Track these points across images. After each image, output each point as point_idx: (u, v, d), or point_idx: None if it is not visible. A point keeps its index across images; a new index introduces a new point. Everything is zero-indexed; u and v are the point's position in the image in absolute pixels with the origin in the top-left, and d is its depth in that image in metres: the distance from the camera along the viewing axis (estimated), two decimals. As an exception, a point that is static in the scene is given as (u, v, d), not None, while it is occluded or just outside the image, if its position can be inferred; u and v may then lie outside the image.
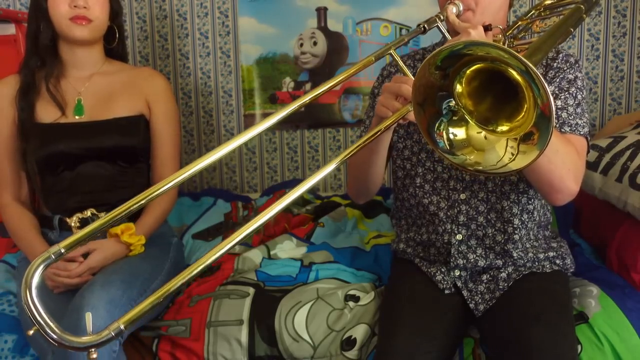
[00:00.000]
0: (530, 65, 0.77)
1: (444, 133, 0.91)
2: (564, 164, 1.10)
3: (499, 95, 0.89)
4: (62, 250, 0.74)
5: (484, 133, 0.91)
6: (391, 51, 1.06)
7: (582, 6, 1.20)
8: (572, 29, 1.16)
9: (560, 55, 1.27)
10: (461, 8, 1.18)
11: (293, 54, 2.21)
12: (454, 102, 0.91)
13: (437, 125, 0.91)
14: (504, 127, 0.89)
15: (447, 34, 1.17)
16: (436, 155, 1.32)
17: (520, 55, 0.78)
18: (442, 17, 1.15)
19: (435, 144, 0.92)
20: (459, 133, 0.92)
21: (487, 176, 1.28)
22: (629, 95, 2.16)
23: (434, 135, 0.92)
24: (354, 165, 1.34)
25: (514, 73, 0.82)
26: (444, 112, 0.91)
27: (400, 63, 1.08)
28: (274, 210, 0.85)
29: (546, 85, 0.77)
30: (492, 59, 0.84)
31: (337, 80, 0.99)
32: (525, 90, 0.82)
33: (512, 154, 0.87)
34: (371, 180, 1.32)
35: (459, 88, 0.90)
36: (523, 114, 0.85)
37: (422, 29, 1.11)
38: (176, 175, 0.82)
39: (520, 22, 1.33)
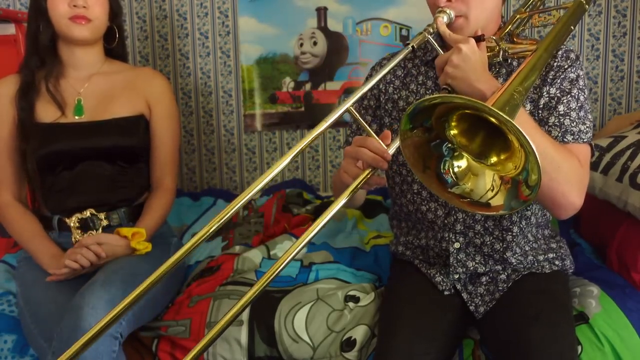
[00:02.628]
0: (507, 120, 0.78)
1: (450, 169, 0.93)
2: (567, 180, 1.06)
3: (492, 129, 0.88)
4: None
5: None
6: (350, 108, 0.99)
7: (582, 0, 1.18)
8: (572, 27, 1.14)
9: (560, 52, 1.21)
10: (452, 15, 1.14)
11: (293, 54, 2.21)
12: (450, 144, 0.93)
13: (442, 167, 0.93)
14: (494, 159, 0.91)
15: (439, 50, 1.12)
16: None
17: (494, 109, 0.79)
18: (432, 30, 1.11)
19: (445, 184, 0.93)
20: (462, 164, 0.94)
21: (475, 213, 1.25)
22: (629, 95, 2.16)
23: (442, 177, 0.93)
24: (336, 191, 1.34)
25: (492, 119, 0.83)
26: (446, 153, 0.93)
27: (361, 121, 1.00)
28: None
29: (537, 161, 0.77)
30: (464, 106, 0.85)
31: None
32: (509, 136, 0.84)
33: (493, 188, 0.90)
34: (353, 199, 1.30)
35: (451, 131, 0.92)
36: (509, 153, 0.87)
37: (411, 48, 1.07)
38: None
39: (518, 16, 1.28)
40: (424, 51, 1.33)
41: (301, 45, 2.20)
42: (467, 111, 0.87)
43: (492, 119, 0.83)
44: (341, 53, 2.20)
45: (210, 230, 0.83)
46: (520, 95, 0.88)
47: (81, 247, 1.37)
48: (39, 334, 1.29)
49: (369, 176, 0.98)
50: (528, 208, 1.28)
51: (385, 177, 1.42)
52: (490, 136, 0.90)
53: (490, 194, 0.89)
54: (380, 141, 1.00)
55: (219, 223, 0.83)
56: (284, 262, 0.84)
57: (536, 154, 0.77)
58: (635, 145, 1.57)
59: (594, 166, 1.62)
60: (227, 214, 0.83)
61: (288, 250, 0.86)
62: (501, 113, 0.77)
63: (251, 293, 0.81)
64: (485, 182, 0.91)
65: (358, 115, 1.01)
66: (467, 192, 0.92)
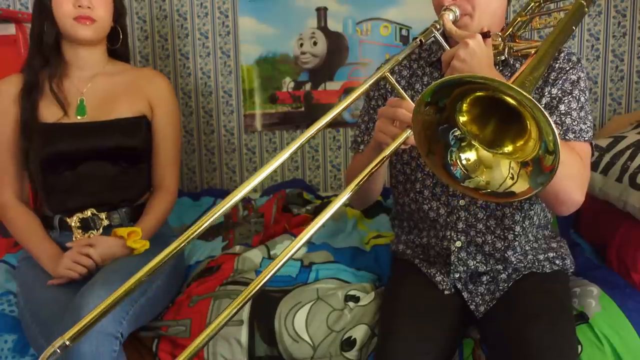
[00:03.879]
0: (529, 99, 0.77)
1: (457, 162, 0.92)
2: (569, 175, 1.07)
3: (503, 117, 0.88)
4: (67, 343, 0.72)
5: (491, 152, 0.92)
6: (386, 74, 1.03)
7: (583, 1, 1.18)
8: (574, 27, 1.15)
9: (562, 54, 1.22)
10: (458, 13, 1.15)
11: (293, 54, 2.21)
12: (458, 131, 0.91)
13: (449, 157, 0.92)
14: (509, 148, 0.90)
15: (445, 45, 1.14)
16: None
17: (511, 85, 0.78)
18: (438, 27, 1.12)
19: (454, 177, 0.92)
20: (471, 156, 0.92)
21: (496, 203, 1.24)
22: (629, 95, 2.16)
23: (450, 170, 0.92)
24: (352, 178, 1.33)
25: (510, 100, 0.82)
26: (452, 142, 0.92)
27: (397, 86, 1.05)
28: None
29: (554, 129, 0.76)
30: (485, 88, 0.84)
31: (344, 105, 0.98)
32: (527, 118, 0.83)
33: (512, 176, 0.88)
34: (371, 189, 1.31)
35: (462, 117, 0.90)
36: (526, 137, 0.86)
37: (419, 42, 1.08)
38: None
39: (519, 18, 1.30)
40: (429, 52, 1.35)
41: (301, 45, 2.20)
42: (480, 94, 0.86)
43: (510, 100, 0.82)
44: (341, 53, 2.20)
45: (211, 219, 0.81)
46: (531, 84, 0.88)
47: (74, 253, 1.37)
48: (40, 334, 1.29)
49: (408, 136, 1.00)
50: (531, 208, 1.29)
51: (389, 176, 1.42)
52: (501, 125, 0.90)
53: (510, 182, 0.88)
54: (413, 105, 1.02)
55: (224, 209, 0.82)
56: (310, 231, 0.85)
57: (547, 117, 0.76)
58: (635, 146, 1.57)
59: (594, 166, 1.62)
60: (230, 201, 0.83)
61: (308, 227, 0.87)
62: (521, 90, 0.77)
63: (268, 270, 0.80)
64: (502, 171, 0.89)
65: (394, 81, 1.06)
66: (482, 185, 0.90)
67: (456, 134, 0.91)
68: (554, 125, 0.77)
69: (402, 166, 1.36)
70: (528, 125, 0.84)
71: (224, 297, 1.42)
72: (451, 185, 0.94)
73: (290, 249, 0.83)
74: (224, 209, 0.82)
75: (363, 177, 0.95)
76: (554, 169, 0.82)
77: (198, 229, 0.81)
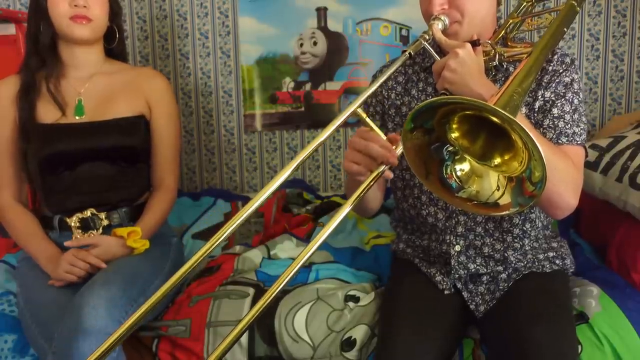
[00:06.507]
0: (513, 120, 0.78)
1: (453, 174, 0.93)
2: (562, 180, 1.07)
3: (492, 130, 0.88)
4: None
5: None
6: (358, 110, 0.99)
7: (574, 2, 1.18)
8: (565, 29, 1.15)
9: (556, 56, 1.22)
10: (447, 22, 1.14)
11: (293, 54, 2.21)
12: (451, 147, 0.92)
13: (444, 171, 0.93)
14: (497, 160, 0.91)
15: (435, 56, 1.13)
16: None
17: (495, 108, 0.78)
18: (427, 37, 1.11)
19: (450, 189, 0.93)
20: (465, 167, 0.94)
21: (485, 215, 1.25)
22: (629, 95, 2.16)
23: (446, 183, 0.93)
24: (349, 192, 1.33)
25: (494, 118, 0.83)
26: (446, 157, 0.93)
27: (369, 121, 1.01)
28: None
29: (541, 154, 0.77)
30: (467, 107, 0.85)
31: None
32: (511, 133, 0.84)
33: (499, 188, 0.90)
34: (368, 201, 1.31)
35: (452, 134, 0.92)
36: (513, 151, 0.87)
37: (409, 55, 1.07)
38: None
39: (512, 20, 1.29)
40: (423, 57, 1.34)
41: (301, 45, 2.20)
42: (468, 112, 0.87)
43: (496, 119, 0.83)
44: (341, 53, 2.20)
45: (223, 237, 0.86)
46: (520, 96, 0.88)
47: (72, 257, 1.37)
48: (39, 334, 1.29)
49: (384, 171, 0.99)
50: (532, 211, 1.28)
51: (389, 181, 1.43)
52: (491, 138, 0.91)
53: (497, 194, 0.90)
54: (384, 137, 1.01)
55: (232, 228, 0.86)
56: (298, 264, 0.87)
57: (540, 151, 0.77)
58: (635, 145, 1.57)
59: (594, 166, 1.62)
60: (236, 221, 0.86)
61: (300, 254, 0.88)
62: (507, 114, 0.77)
63: (265, 299, 0.82)
64: (491, 182, 0.91)
65: (365, 115, 1.01)
66: (473, 195, 0.92)
67: (449, 149, 0.93)
68: (545, 162, 0.78)
69: (401, 172, 1.36)
70: (514, 138, 0.84)
71: (223, 297, 1.42)
72: (446, 200, 0.95)
73: (291, 270, 0.85)
74: (256, 204, 0.90)
75: (351, 204, 0.95)
76: (533, 196, 0.84)
77: (222, 235, 0.87)
